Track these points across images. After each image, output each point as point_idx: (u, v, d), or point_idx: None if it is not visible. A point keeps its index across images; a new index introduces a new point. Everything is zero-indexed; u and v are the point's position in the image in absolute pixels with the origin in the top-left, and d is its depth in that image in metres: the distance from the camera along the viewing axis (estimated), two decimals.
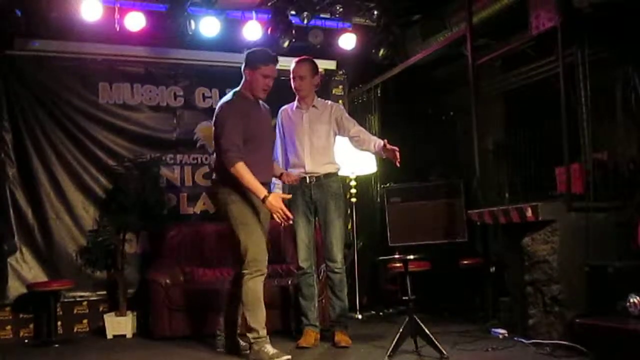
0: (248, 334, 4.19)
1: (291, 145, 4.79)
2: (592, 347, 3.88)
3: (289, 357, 4.12)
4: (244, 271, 4.19)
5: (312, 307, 4.76)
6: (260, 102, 4.49)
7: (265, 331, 4.18)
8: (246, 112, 4.30)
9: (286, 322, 5.32)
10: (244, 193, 4.21)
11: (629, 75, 4.73)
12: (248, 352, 4.27)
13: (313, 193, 4.70)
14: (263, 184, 4.16)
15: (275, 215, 4.13)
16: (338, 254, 4.67)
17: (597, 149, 4.67)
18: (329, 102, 4.98)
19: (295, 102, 4.89)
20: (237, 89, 4.42)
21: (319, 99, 4.91)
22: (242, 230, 4.22)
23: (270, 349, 4.12)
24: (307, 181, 4.71)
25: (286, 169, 4.76)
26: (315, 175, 4.70)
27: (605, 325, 3.82)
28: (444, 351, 4.03)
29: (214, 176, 4.57)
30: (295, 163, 4.74)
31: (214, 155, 4.46)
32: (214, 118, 4.35)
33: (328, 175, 4.73)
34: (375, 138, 4.66)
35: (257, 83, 4.33)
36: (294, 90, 4.81)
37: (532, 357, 4.07)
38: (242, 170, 4.09)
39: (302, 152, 4.72)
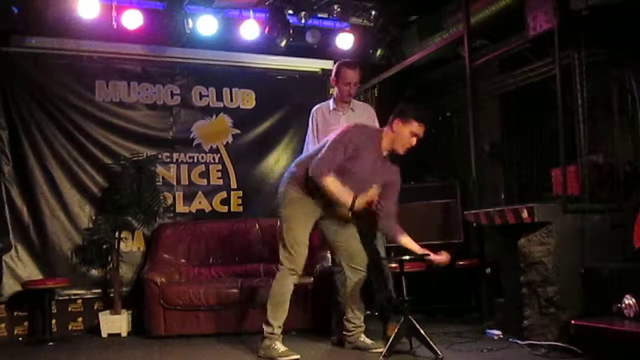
0: (264, 326, 4.29)
1: None
2: (587, 349, 3.88)
3: (298, 356, 4.19)
4: (280, 267, 4.31)
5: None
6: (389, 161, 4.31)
7: (280, 330, 4.29)
8: (367, 151, 4.16)
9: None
10: (305, 197, 4.24)
11: (625, 77, 4.74)
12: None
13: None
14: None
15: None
16: (382, 251, 4.76)
17: (593, 151, 4.68)
18: (366, 104, 5.01)
19: (332, 103, 4.88)
20: (381, 131, 4.26)
21: (355, 100, 4.93)
22: (284, 229, 4.29)
23: (280, 347, 4.23)
24: None
25: None
26: None
27: (600, 326, 3.82)
28: (438, 352, 4.03)
29: (292, 169, 4.42)
30: None
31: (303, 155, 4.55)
32: (340, 129, 4.22)
33: None
34: None
35: (402, 138, 4.14)
36: (345, 95, 4.77)
37: (527, 358, 4.07)
38: (332, 184, 4.07)
39: None
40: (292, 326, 5.22)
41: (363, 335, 4.49)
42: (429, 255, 4.18)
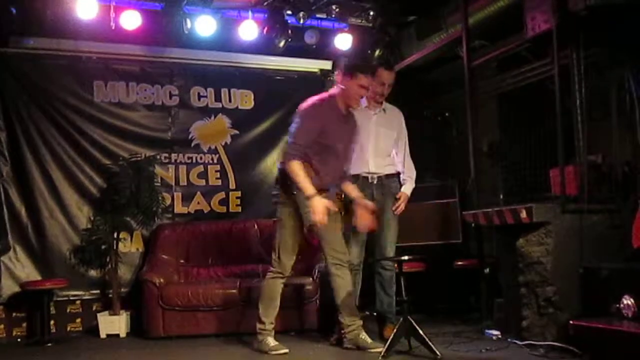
0: (257, 324, 4.56)
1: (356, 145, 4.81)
2: (586, 349, 3.88)
3: (287, 351, 4.40)
4: (271, 268, 4.57)
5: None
6: (352, 111, 4.52)
7: (272, 326, 4.54)
8: (328, 119, 4.35)
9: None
10: (294, 198, 4.37)
11: (624, 78, 4.74)
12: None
13: (375, 193, 4.80)
14: (322, 189, 4.34)
15: (314, 215, 4.19)
16: (391, 252, 4.78)
17: (592, 151, 4.68)
18: (396, 108, 5.04)
19: (364, 102, 4.89)
20: (330, 93, 4.46)
21: (386, 102, 4.99)
22: (279, 231, 4.53)
23: (271, 342, 4.48)
24: (369, 181, 4.80)
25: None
26: (378, 175, 4.80)
27: (599, 326, 3.82)
28: (437, 352, 4.03)
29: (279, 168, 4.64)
30: (358, 162, 4.78)
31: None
32: (297, 112, 4.43)
33: (389, 177, 4.85)
34: (404, 179, 4.89)
35: (352, 92, 4.33)
36: (377, 95, 4.84)
37: (526, 358, 4.07)
38: (297, 169, 4.22)
39: (366, 152, 4.79)
40: (291, 327, 5.25)
41: (364, 333, 4.48)
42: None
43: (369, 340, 4.44)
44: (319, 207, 4.16)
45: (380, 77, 4.79)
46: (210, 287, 5.51)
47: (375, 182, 4.80)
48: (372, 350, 4.33)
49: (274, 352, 4.40)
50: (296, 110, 4.47)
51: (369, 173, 4.80)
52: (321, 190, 4.36)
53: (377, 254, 4.84)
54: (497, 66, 6.01)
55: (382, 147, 4.82)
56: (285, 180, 4.41)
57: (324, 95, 4.49)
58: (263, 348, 4.47)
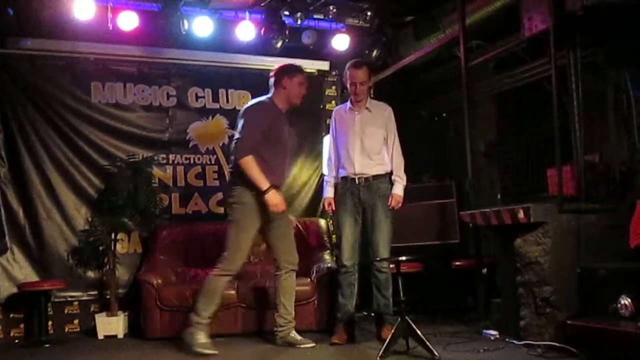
0: (193, 316, 4.53)
1: (342, 146, 4.89)
2: (584, 349, 3.89)
3: (216, 352, 4.41)
4: (218, 265, 4.58)
5: (350, 305, 4.84)
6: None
7: (208, 321, 4.55)
8: (274, 117, 4.66)
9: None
10: (255, 197, 4.50)
11: (621, 78, 4.75)
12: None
13: (362, 194, 4.80)
14: (274, 186, 4.51)
15: (271, 208, 4.46)
16: (384, 254, 4.75)
17: (589, 151, 4.69)
18: (383, 104, 5.01)
19: (349, 103, 4.97)
20: (269, 95, 4.76)
21: (373, 100, 5.00)
22: (234, 230, 4.56)
23: (202, 338, 4.49)
24: (357, 182, 4.81)
25: (337, 169, 4.94)
26: (365, 176, 4.80)
27: (596, 326, 3.83)
28: (435, 352, 4.04)
29: (232, 170, 4.77)
30: (345, 164, 4.85)
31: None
32: (241, 113, 4.69)
33: (377, 177, 4.82)
34: (394, 179, 4.87)
35: (294, 90, 4.72)
36: (352, 95, 4.88)
37: (524, 358, 4.07)
38: (251, 163, 4.45)
39: (352, 153, 4.81)
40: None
41: (294, 331, 4.73)
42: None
43: (298, 337, 4.69)
44: (276, 199, 4.46)
45: (351, 76, 4.82)
46: None
47: (362, 183, 4.79)
48: (302, 346, 4.60)
49: (200, 350, 4.41)
50: (240, 111, 4.75)
51: (355, 174, 4.80)
52: (275, 187, 4.57)
53: (370, 255, 4.83)
54: (494, 66, 6.03)
55: (369, 146, 4.81)
56: (244, 179, 4.49)
57: (262, 97, 4.77)
58: (192, 342, 4.46)
